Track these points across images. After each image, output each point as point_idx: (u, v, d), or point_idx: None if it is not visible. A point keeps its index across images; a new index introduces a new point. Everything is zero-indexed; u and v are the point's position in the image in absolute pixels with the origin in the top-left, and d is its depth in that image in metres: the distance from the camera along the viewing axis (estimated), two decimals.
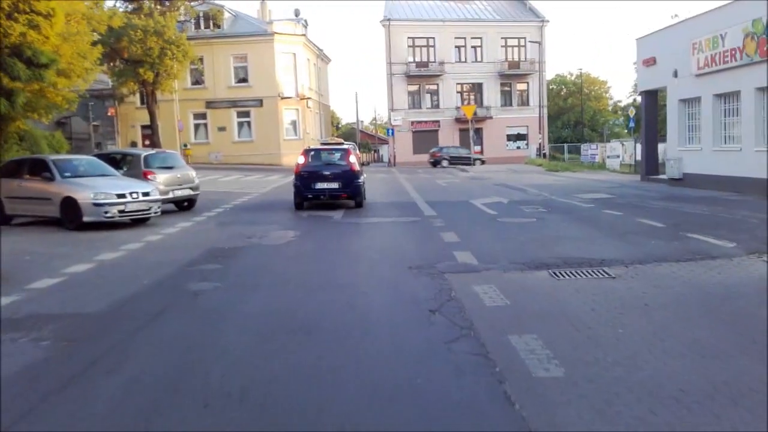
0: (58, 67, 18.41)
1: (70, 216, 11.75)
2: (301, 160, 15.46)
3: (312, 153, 15.92)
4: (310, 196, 15.04)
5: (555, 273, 7.26)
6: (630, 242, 9.45)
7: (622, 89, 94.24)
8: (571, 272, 7.26)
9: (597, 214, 13.29)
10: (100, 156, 14.93)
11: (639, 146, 28.30)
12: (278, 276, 7.48)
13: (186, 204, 15.14)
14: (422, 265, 7.76)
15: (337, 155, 15.66)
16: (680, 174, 20.83)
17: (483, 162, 42.36)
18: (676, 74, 21.02)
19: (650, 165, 23.71)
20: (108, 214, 11.63)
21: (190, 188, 14.88)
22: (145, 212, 12.24)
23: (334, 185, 14.94)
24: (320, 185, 14.88)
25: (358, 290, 6.66)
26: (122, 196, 11.86)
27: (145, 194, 12.25)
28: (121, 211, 11.80)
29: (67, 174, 12.43)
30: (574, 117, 66.72)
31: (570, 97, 68.91)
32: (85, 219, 11.60)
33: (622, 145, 31.15)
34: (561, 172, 31.54)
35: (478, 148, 46.47)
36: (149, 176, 13.96)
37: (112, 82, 37.23)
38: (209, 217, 13.83)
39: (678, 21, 21.70)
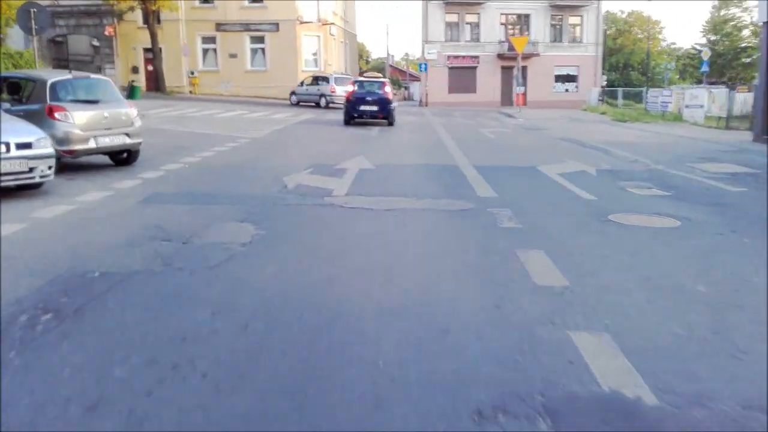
0: None
1: None
2: (350, 88, 21.84)
3: (358, 83, 21.95)
4: (355, 115, 20.84)
5: None
6: None
7: (675, 31, 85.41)
8: None
9: None
10: None
11: (738, 95, 22.72)
12: None
13: (125, 156, 10.35)
14: (509, 401, 2.90)
15: (376, 86, 21.57)
16: None
17: None
18: None
19: None
20: None
21: (126, 134, 9.91)
22: (22, 176, 7.45)
23: (374, 108, 20.82)
24: (363, 107, 20.83)
25: None
26: None
27: (23, 146, 7.43)
28: None
29: None
30: (623, 59, 59.88)
31: (620, 37, 61.78)
32: None
33: (710, 92, 25.29)
34: (631, 123, 25.87)
35: (521, 90, 40.51)
36: (57, 114, 9.10)
37: None
38: (145, 181, 9.01)
39: None
